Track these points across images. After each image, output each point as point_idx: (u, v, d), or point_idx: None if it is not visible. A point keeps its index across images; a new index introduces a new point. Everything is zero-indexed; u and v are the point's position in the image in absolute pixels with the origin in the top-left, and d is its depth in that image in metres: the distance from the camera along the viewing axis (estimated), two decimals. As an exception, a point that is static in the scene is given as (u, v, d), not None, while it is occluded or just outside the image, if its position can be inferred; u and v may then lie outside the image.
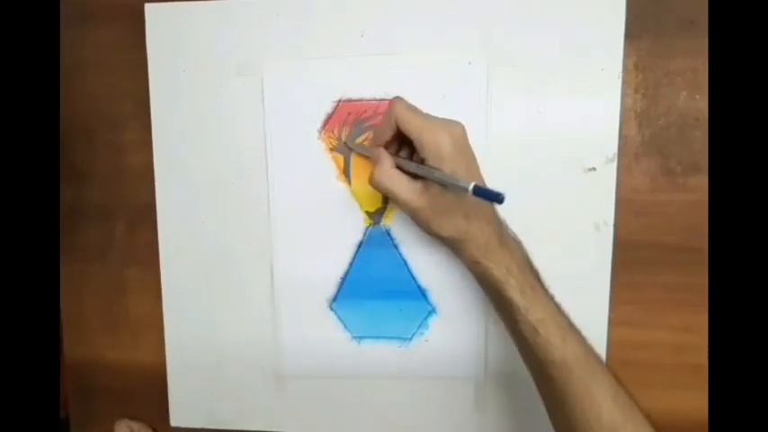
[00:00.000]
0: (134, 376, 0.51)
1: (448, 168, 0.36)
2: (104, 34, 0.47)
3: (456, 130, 0.37)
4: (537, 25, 0.42)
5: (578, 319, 0.38)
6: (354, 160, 0.44)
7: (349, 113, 0.44)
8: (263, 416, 0.49)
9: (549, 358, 0.36)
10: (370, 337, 0.47)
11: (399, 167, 0.39)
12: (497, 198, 0.33)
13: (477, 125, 0.42)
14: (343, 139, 0.44)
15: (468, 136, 0.38)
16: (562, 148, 0.43)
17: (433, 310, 0.46)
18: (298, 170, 0.45)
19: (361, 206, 0.45)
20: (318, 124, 0.44)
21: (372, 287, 0.46)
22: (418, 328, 0.46)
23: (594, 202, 0.43)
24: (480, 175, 0.38)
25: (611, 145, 0.42)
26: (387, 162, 0.38)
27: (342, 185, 0.45)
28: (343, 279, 0.46)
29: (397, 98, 0.39)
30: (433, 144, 0.36)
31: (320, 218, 0.45)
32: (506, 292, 0.37)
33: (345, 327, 0.47)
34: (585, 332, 0.37)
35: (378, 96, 0.44)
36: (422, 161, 0.37)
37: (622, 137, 0.42)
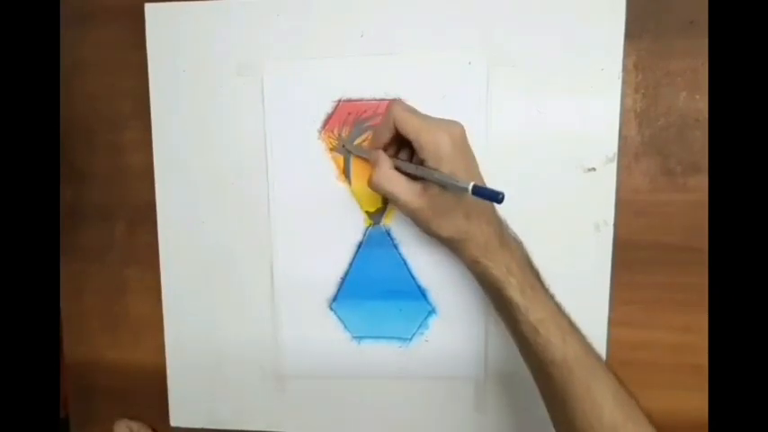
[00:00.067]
0: (134, 376, 0.51)
1: (447, 169, 0.36)
2: (104, 34, 0.47)
3: (455, 131, 0.37)
4: (537, 25, 0.42)
5: (578, 319, 0.38)
6: (354, 160, 0.44)
7: (349, 113, 0.44)
8: (263, 416, 0.49)
9: (549, 358, 0.36)
10: (370, 337, 0.47)
11: (398, 169, 0.39)
12: (497, 197, 0.33)
13: (477, 125, 0.42)
14: (342, 141, 0.44)
15: (468, 136, 0.38)
16: (562, 148, 0.43)
17: (432, 310, 0.46)
18: (298, 170, 0.45)
19: (361, 206, 0.45)
20: (318, 124, 0.44)
21: (372, 287, 0.46)
22: (418, 328, 0.46)
23: (594, 202, 0.43)
24: (480, 175, 0.38)
25: (611, 145, 0.42)
26: (385, 164, 0.38)
27: (342, 185, 0.45)
28: (343, 279, 0.46)
29: (396, 100, 0.39)
30: (431, 145, 0.36)
31: (320, 218, 0.45)
32: (506, 292, 0.37)
33: (345, 327, 0.47)
34: (585, 332, 0.37)
35: (378, 96, 0.44)
36: (421, 162, 0.37)
37: (622, 137, 0.42)
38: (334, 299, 0.46)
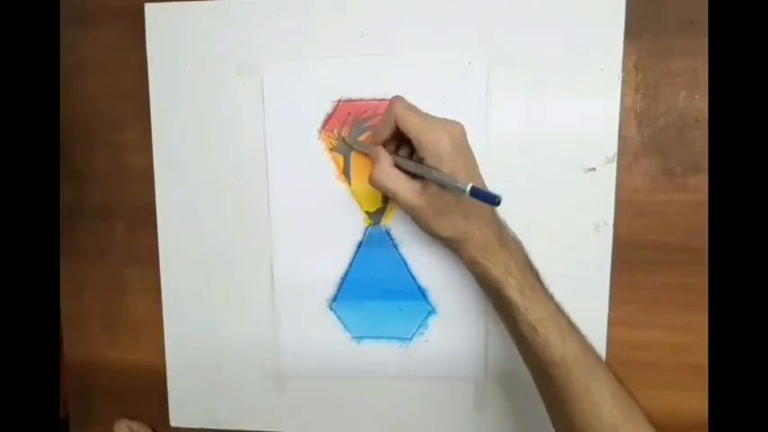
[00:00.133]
0: (134, 376, 0.51)
1: (446, 168, 0.36)
2: (104, 34, 0.47)
3: (455, 130, 0.37)
4: (537, 25, 0.42)
5: (578, 318, 0.38)
6: (354, 160, 0.44)
7: (349, 113, 0.44)
8: (262, 416, 0.49)
9: (548, 358, 0.36)
10: (370, 337, 0.47)
11: (398, 166, 0.39)
12: (494, 200, 0.33)
13: (477, 125, 0.42)
14: (343, 137, 0.44)
15: (468, 136, 0.38)
16: (562, 148, 0.43)
17: (432, 310, 0.46)
18: (298, 170, 0.45)
19: (360, 206, 0.45)
20: (318, 124, 0.44)
21: (372, 287, 0.46)
22: (418, 328, 0.46)
23: (594, 202, 0.43)
24: (479, 175, 0.38)
25: (611, 145, 0.42)
26: (386, 160, 0.38)
27: (342, 185, 0.45)
28: (343, 279, 0.46)
29: (397, 97, 0.39)
30: (431, 144, 0.36)
31: (320, 218, 0.45)
32: (506, 292, 0.37)
33: (345, 327, 0.47)
34: (585, 332, 0.37)
35: (378, 96, 0.44)
36: (421, 160, 0.37)
37: (622, 137, 0.42)
38: (334, 299, 0.46)
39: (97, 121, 0.48)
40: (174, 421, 0.50)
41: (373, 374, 0.47)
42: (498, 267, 0.37)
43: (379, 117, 0.43)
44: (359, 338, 0.47)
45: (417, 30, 0.43)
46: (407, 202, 0.38)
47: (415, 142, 0.37)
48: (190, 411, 0.50)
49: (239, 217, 0.47)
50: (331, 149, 0.45)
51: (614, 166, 0.42)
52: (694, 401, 0.43)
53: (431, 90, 0.43)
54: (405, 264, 0.45)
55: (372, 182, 0.39)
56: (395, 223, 0.45)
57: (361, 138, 0.44)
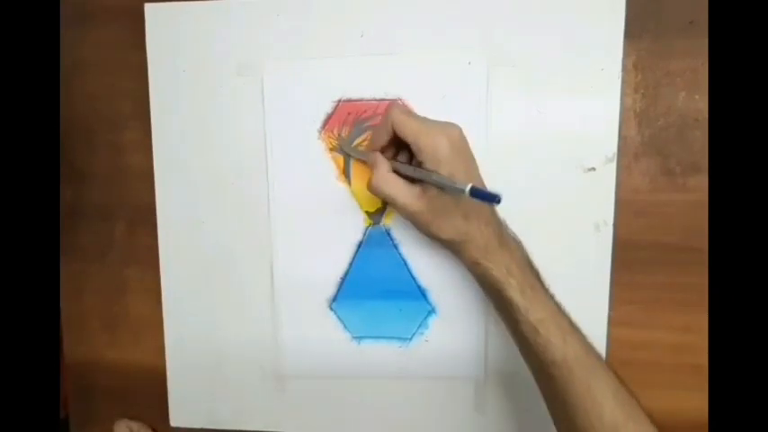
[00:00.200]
0: (134, 376, 0.51)
1: (445, 171, 0.36)
2: (104, 34, 0.47)
3: (453, 133, 0.37)
4: (537, 25, 0.42)
5: (578, 318, 0.38)
6: (354, 160, 0.44)
7: (349, 113, 0.44)
8: (262, 416, 0.49)
9: (549, 358, 0.36)
10: (370, 337, 0.47)
11: (397, 171, 0.39)
12: (494, 199, 0.33)
13: (477, 125, 0.42)
14: (340, 145, 0.44)
15: (468, 136, 0.38)
16: (562, 148, 0.43)
17: (432, 310, 0.46)
18: (298, 170, 0.45)
19: (360, 206, 0.45)
20: (318, 124, 0.44)
21: (372, 287, 0.46)
22: (418, 328, 0.46)
23: (594, 202, 0.43)
24: (479, 176, 0.38)
25: (611, 145, 0.42)
26: (384, 166, 0.38)
27: (342, 185, 0.45)
28: (343, 279, 0.46)
29: (394, 103, 0.39)
30: (430, 147, 0.36)
31: (320, 218, 0.45)
32: (507, 293, 0.37)
33: (345, 327, 0.47)
34: (585, 332, 0.37)
35: (378, 96, 0.43)
36: (420, 164, 0.37)
37: (622, 137, 0.42)
38: (334, 299, 0.46)
39: (97, 121, 0.48)
40: (174, 421, 0.50)
41: (373, 374, 0.47)
42: (499, 268, 0.37)
43: (379, 117, 0.43)
44: (359, 338, 0.47)
45: (417, 30, 0.43)
46: (407, 207, 0.38)
47: (413, 146, 0.37)
48: (190, 411, 0.50)
49: (239, 217, 0.47)
50: (331, 149, 0.45)
51: (614, 166, 0.42)
52: (694, 401, 0.43)
53: (431, 90, 0.43)
54: (405, 264, 0.45)
55: (371, 188, 0.39)
56: (395, 223, 0.45)
57: (361, 139, 0.44)
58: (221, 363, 0.49)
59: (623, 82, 0.42)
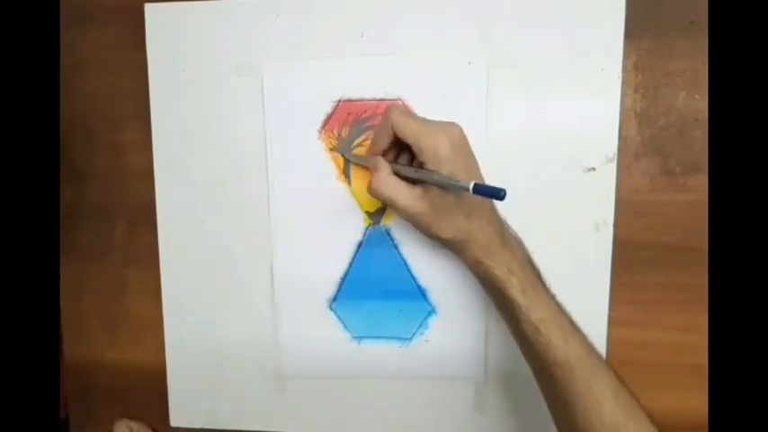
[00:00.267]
0: (134, 376, 0.51)
1: (447, 170, 0.36)
2: (104, 34, 0.47)
3: (453, 132, 0.37)
4: (537, 25, 0.42)
5: (578, 318, 0.38)
6: (354, 160, 0.44)
7: (349, 113, 0.44)
8: (262, 416, 0.49)
9: (550, 358, 0.36)
10: (370, 337, 0.47)
11: (398, 174, 0.39)
12: (498, 194, 0.32)
13: (477, 125, 0.42)
14: (340, 149, 0.44)
15: (468, 136, 0.38)
16: (562, 148, 0.43)
17: (432, 310, 0.46)
18: (298, 170, 0.45)
19: (360, 206, 0.45)
20: (318, 124, 0.44)
21: (372, 287, 0.46)
22: (418, 328, 0.46)
23: (594, 202, 0.43)
24: (480, 175, 0.38)
25: (611, 145, 0.42)
26: (384, 170, 0.38)
27: (342, 185, 0.45)
28: (343, 279, 0.46)
29: (393, 105, 0.39)
30: (431, 148, 0.36)
31: (320, 218, 0.45)
32: (508, 292, 0.37)
33: (345, 327, 0.47)
34: (585, 332, 0.37)
35: (378, 96, 0.44)
36: (421, 166, 0.37)
37: (622, 137, 0.42)
38: (334, 299, 0.46)
39: (97, 121, 0.48)
40: (174, 421, 0.50)
41: (373, 374, 0.47)
42: (501, 267, 0.37)
43: (379, 117, 0.43)
44: (359, 338, 0.47)
45: (417, 30, 0.43)
46: (408, 209, 0.37)
47: (414, 147, 0.37)
48: (190, 411, 0.50)
49: (239, 217, 0.47)
50: (331, 149, 0.45)
51: (614, 165, 0.42)
52: (694, 401, 0.43)
53: (431, 90, 0.43)
54: (405, 264, 0.45)
55: (372, 192, 0.39)
56: (395, 223, 0.45)
57: (361, 139, 0.44)
58: (221, 363, 0.49)
59: (623, 82, 0.42)
